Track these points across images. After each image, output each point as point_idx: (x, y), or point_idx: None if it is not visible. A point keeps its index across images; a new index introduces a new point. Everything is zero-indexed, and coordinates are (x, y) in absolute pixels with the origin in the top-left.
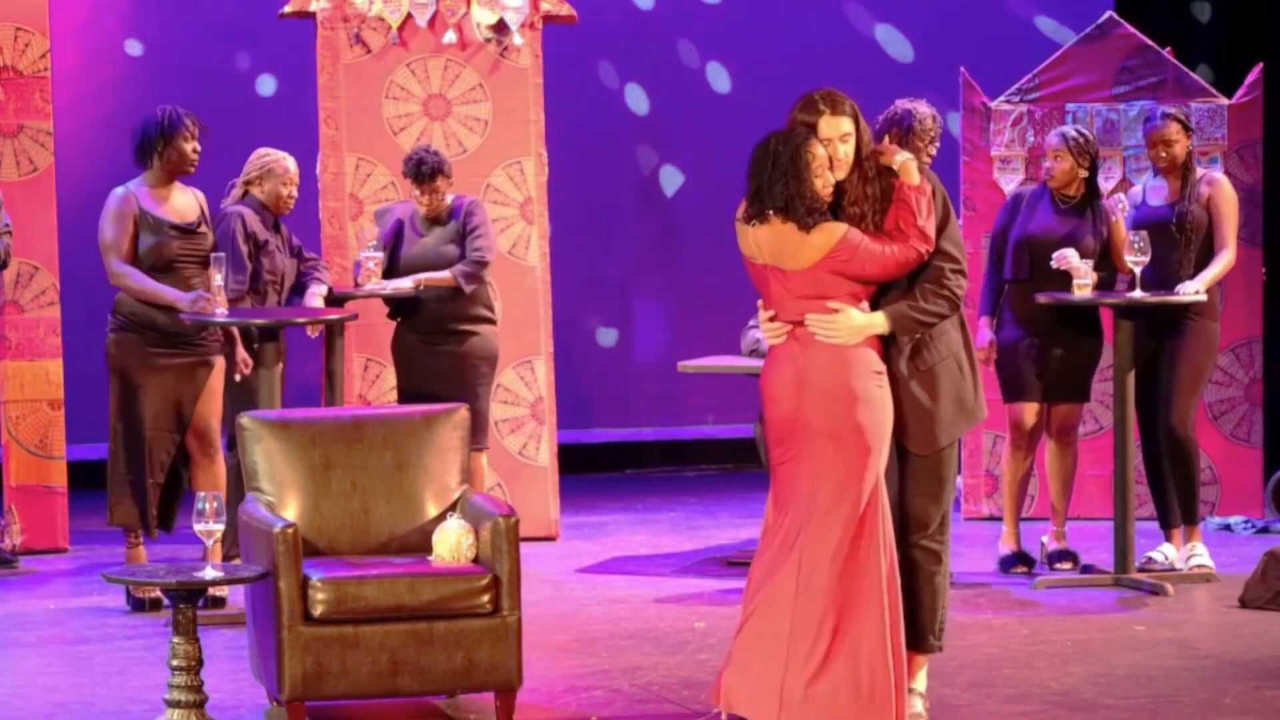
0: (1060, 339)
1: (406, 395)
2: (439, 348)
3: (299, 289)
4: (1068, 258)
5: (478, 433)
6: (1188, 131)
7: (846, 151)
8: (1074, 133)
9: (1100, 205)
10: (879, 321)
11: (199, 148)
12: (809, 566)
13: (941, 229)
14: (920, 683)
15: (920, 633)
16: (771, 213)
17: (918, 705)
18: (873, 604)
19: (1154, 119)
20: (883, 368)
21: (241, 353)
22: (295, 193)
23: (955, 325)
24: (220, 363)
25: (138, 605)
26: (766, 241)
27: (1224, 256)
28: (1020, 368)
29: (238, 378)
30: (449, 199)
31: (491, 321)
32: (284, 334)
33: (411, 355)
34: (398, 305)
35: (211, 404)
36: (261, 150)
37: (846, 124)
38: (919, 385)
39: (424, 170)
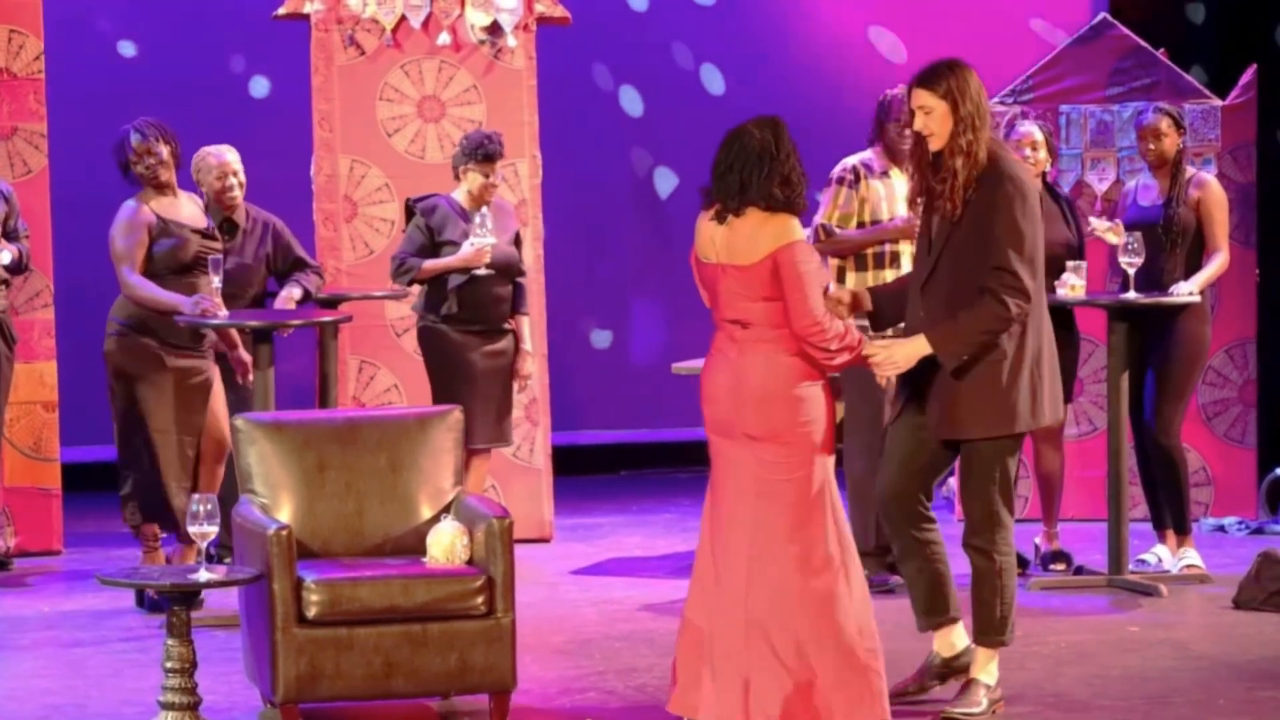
0: None
1: (449, 398)
2: (493, 346)
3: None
4: (1068, 285)
5: (511, 430)
6: (1179, 128)
7: (923, 123)
8: (1044, 125)
9: (1070, 200)
10: (923, 345)
11: (159, 158)
12: (759, 568)
13: (1017, 243)
14: (988, 675)
15: (981, 628)
16: (749, 207)
17: (980, 695)
18: (789, 607)
19: (1146, 113)
20: (817, 374)
21: (244, 355)
22: (233, 183)
23: (1013, 335)
24: (214, 367)
25: (153, 605)
26: (725, 237)
27: (1218, 259)
28: None
29: (240, 380)
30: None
31: None
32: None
33: (465, 354)
34: (458, 299)
35: (220, 405)
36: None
37: (923, 97)
38: (950, 374)
39: (490, 149)
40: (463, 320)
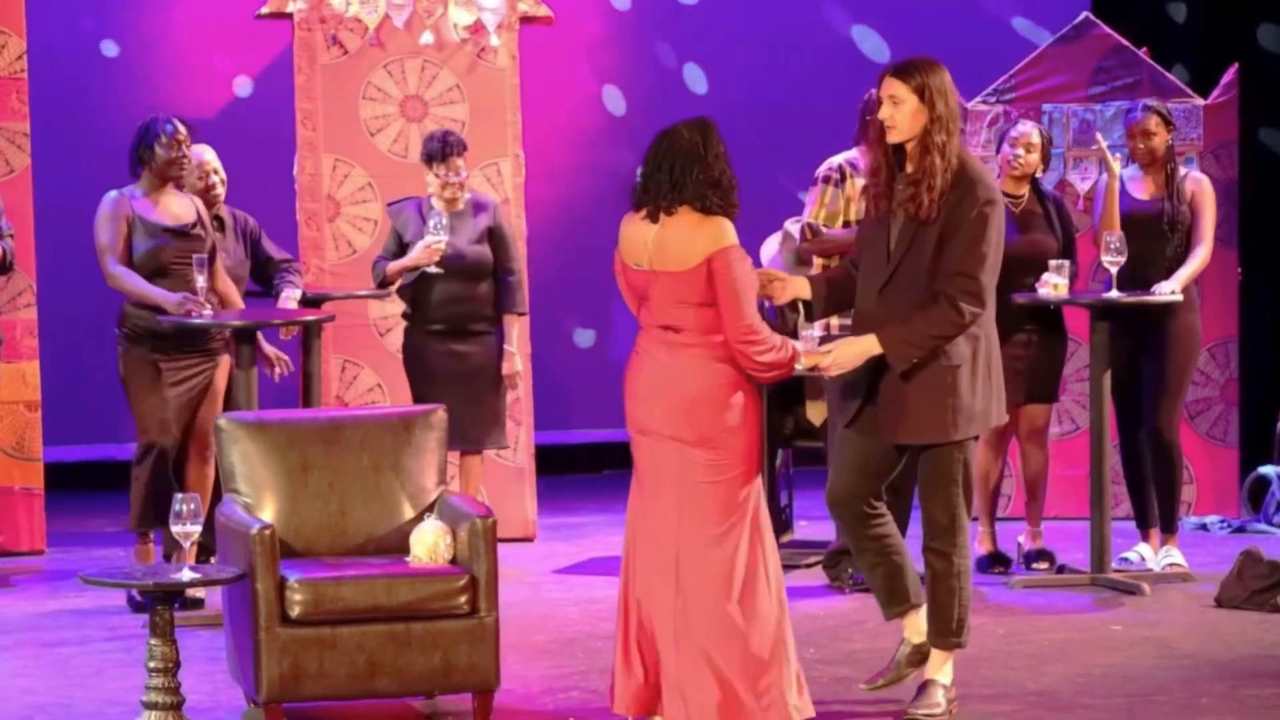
0: (1026, 340)
1: (416, 396)
2: (458, 348)
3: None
4: (1049, 284)
5: (500, 433)
6: (1168, 125)
7: (889, 114)
8: (1043, 127)
9: (1060, 200)
10: (872, 345)
11: (187, 154)
12: (686, 571)
13: (985, 252)
14: (944, 675)
15: (938, 630)
16: (682, 205)
17: (938, 696)
18: (718, 607)
19: (1135, 111)
20: (748, 379)
21: (270, 349)
22: (215, 181)
23: (967, 338)
24: (226, 362)
25: (136, 606)
26: (658, 239)
27: (1200, 253)
28: None
29: (276, 377)
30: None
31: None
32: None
33: (424, 353)
34: (412, 298)
35: (215, 405)
36: None
37: (897, 87)
38: (900, 379)
39: (450, 142)
40: (423, 320)
